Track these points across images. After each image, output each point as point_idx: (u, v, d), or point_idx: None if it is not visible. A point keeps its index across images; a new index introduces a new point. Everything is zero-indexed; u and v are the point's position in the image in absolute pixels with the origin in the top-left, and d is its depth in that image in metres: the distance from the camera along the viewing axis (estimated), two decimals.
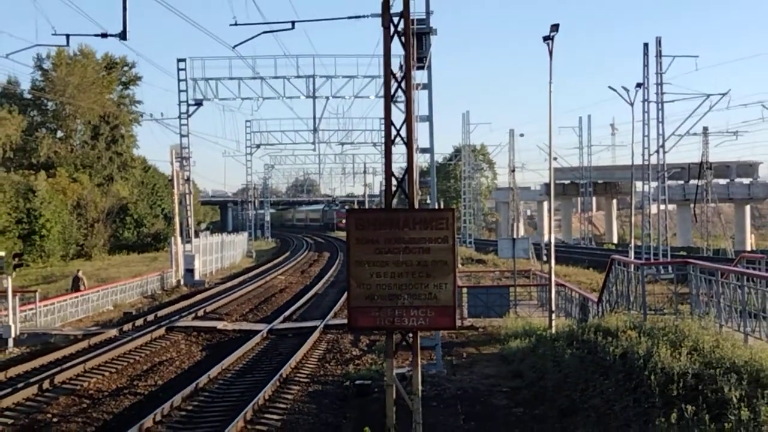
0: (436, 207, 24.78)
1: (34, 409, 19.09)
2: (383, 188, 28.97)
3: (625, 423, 13.64)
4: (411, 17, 21.85)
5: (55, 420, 18.25)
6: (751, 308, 17.19)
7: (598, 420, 14.60)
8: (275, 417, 18.02)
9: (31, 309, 33.78)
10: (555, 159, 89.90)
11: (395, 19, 11.90)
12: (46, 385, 20.99)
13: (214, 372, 22.44)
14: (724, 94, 56.46)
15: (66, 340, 29.10)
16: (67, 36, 26.04)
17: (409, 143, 11.72)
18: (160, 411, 17.96)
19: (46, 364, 24.06)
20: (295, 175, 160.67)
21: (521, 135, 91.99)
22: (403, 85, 12.10)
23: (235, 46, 35.18)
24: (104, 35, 23.83)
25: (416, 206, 11.80)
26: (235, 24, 26.65)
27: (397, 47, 23.61)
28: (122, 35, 23.09)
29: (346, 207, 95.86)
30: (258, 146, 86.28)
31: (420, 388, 12.17)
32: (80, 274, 44.85)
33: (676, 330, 17.40)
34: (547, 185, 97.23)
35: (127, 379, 22.70)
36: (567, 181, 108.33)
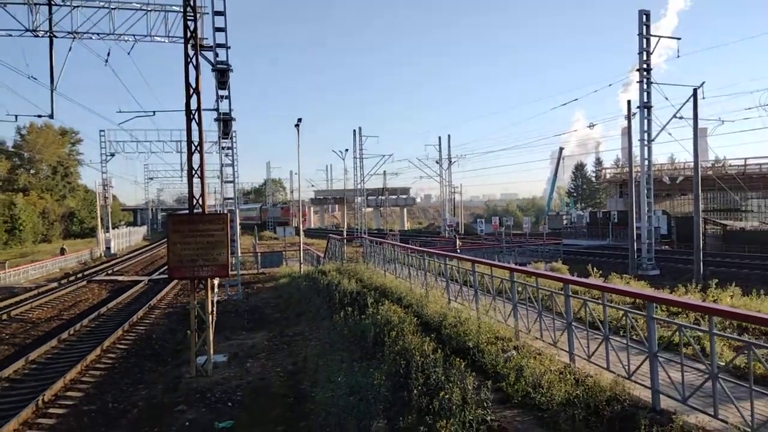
0: (237, 211, 23.68)
1: None
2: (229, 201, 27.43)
3: (323, 317, 13.81)
4: (220, 111, 21.27)
5: (7, 337, 16.17)
6: (389, 257, 17.56)
7: (312, 318, 14.70)
8: (142, 327, 16.82)
9: (3, 272, 30.29)
10: (313, 186, 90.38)
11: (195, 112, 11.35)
12: (4, 317, 18.59)
13: (111, 305, 20.59)
14: (391, 155, 59.56)
15: (23, 290, 25.64)
16: (16, 116, 22.95)
17: (202, 178, 11.27)
18: (73, 328, 16.35)
19: (8, 305, 21.15)
20: (177, 194, 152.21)
21: (296, 174, 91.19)
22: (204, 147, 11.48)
23: (120, 123, 32.05)
24: (39, 116, 21.36)
25: (206, 212, 11.45)
26: (120, 111, 24.49)
27: (209, 125, 22.84)
28: (51, 116, 20.68)
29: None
30: (152, 178, 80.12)
31: (214, 309, 11.74)
32: (65, 246, 45.54)
33: (355, 270, 17.88)
34: (312, 199, 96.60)
35: (57, 311, 20.31)
36: (322, 197, 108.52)
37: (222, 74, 19.77)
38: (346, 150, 46.33)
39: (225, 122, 20.33)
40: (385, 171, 65.30)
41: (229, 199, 22.18)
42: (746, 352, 4.67)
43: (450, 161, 51.55)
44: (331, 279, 17.18)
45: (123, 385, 11.43)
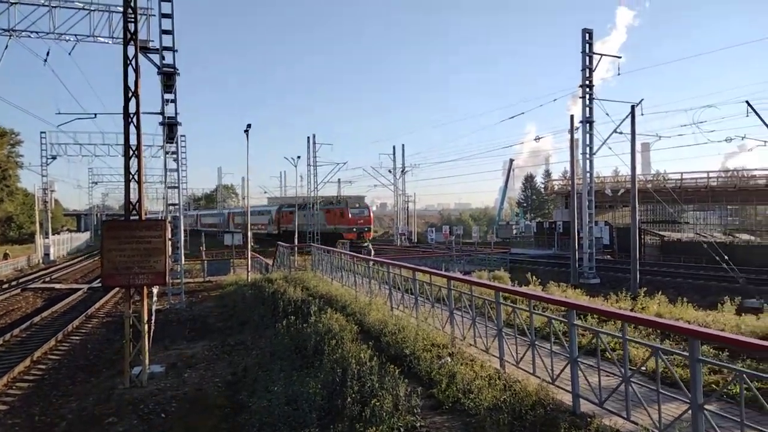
0: (181, 218, 22.94)
1: None
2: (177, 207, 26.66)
3: (266, 326, 13.60)
4: (166, 115, 20.76)
5: None
6: (336, 265, 17.66)
7: (256, 326, 14.43)
8: (77, 337, 16.12)
9: None
10: (266, 192, 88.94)
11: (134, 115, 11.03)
12: None
13: (45, 314, 19.57)
14: (345, 163, 59.90)
15: None
16: None
17: (139, 184, 10.98)
18: (2, 338, 15.45)
19: None
20: (123, 199, 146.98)
21: (248, 180, 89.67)
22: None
23: (59, 125, 30.23)
24: None
25: (143, 218, 11.13)
26: (59, 113, 23.52)
27: (156, 130, 21.87)
28: None
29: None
30: (96, 183, 77.50)
31: (151, 318, 11.37)
32: (8, 252, 44.02)
33: (302, 279, 17.69)
34: (262, 206, 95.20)
35: None
36: (277, 204, 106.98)
37: (168, 77, 19.35)
38: (299, 157, 46.02)
39: (170, 126, 19.85)
40: (339, 179, 65.18)
41: (173, 204, 21.57)
42: (655, 357, 4.92)
43: (403, 170, 52.11)
44: (277, 287, 16.95)
45: (52, 397, 10.92)
